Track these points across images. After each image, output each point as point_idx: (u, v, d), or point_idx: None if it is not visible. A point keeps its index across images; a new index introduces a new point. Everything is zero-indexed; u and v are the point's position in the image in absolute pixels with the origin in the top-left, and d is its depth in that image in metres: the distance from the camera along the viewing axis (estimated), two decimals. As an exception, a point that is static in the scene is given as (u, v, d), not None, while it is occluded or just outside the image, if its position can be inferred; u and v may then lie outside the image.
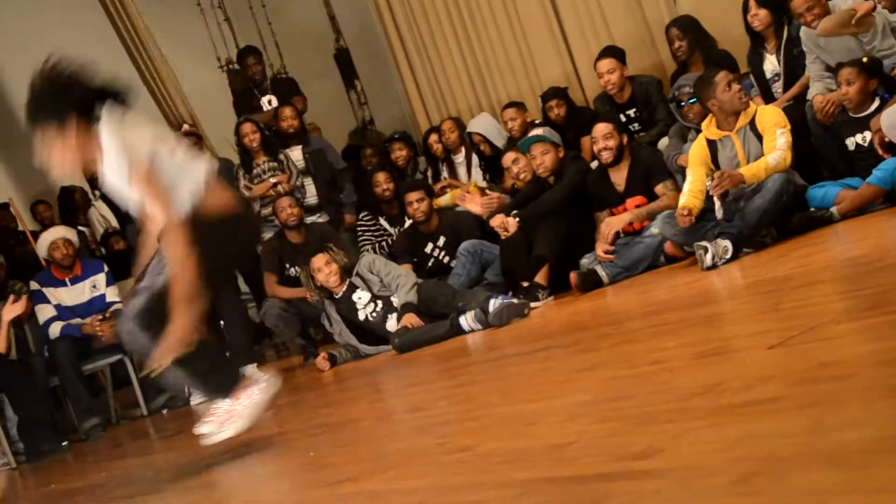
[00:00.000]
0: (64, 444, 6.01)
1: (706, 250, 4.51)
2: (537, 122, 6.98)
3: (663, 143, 6.06)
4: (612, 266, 5.47)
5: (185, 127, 8.02)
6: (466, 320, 5.22)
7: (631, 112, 6.48)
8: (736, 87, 5.07)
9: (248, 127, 7.43)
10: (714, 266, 4.48)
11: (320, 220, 7.48)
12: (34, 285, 6.66)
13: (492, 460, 2.20)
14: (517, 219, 5.87)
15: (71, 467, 5.29)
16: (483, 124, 7.33)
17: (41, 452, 5.87)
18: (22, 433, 6.05)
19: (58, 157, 3.13)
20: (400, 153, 7.83)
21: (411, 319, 5.56)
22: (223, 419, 3.42)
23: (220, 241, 3.29)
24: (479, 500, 1.88)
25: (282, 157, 7.45)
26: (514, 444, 2.28)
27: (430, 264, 6.62)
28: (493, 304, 5.14)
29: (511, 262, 5.97)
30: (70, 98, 3.08)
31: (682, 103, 5.71)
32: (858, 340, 2.24)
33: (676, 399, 2.15)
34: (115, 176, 3.11)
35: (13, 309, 6.00)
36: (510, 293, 5.69)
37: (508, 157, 6.41)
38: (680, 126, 5.87)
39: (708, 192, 4.87)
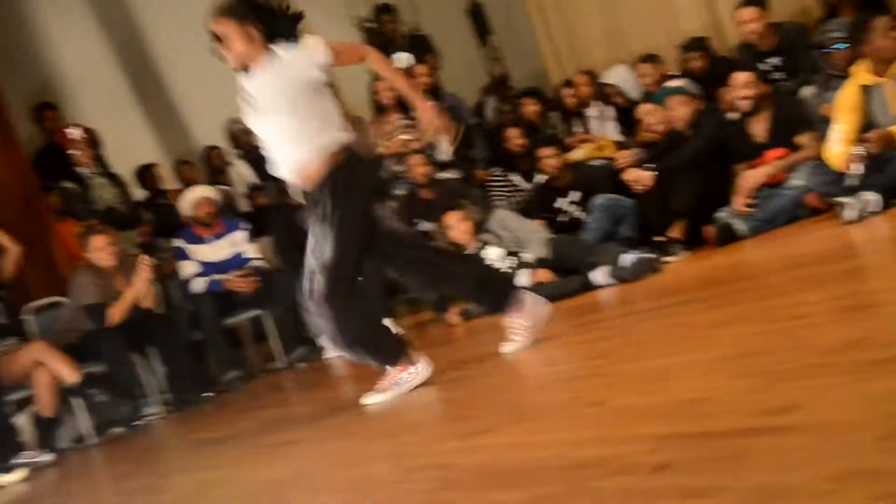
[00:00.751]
0: (207, 395, 6.25)
1: (849, 205, 4.33)
2: (675, 75, 6.82)
3: (807, 92, 5.83)
4: (751, 219, 5.32)
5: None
6: (599, 275, 5.17)
7: (775, 60, 6.23)
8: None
9: (382, 84, 7.48)
10: (861, 219, 4.30)
11: (451, 176, 7.50)
12: (177, 242, 6.90)
13: (626, 415, 2.18)
14: (653, 172, 5.76)
15: (214, 417, 5.49)
16: (617, 76, 7.21)
17: (186, 402, 6.11)
18: (169, 384, 6.31)
19: (236, 50, 3.56)
20: (532, 108, 7.78)
21: (544, 275, 5.53)
22: (387, 386, 3.71)
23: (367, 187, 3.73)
24: (614, 454, 1.86)
25: (414, 115, 7.47)
26: (648, 400, 2.25)
27: (562, 219, 6.57)
28: (625, 259, 5.08)
29: (646, 216, 5.87)
30: (256, 7, 3.59)
31: (829, 49, 5.47)
32: None
33: (818, 354, 2.08)
34: (275, 91, 3.56)
35: (143, 270, 6.19)
36: (645, 248, 5.60)
37: (643, 109, 6.30)
38: (825, 75, 5.64)
39: (853, 156, 4.66)
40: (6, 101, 7.52)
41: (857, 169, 4.60)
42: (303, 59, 3.58)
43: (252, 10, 3.58)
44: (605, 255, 5.33)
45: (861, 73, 4.92)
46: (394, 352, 3.73)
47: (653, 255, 5.19)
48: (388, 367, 3.72)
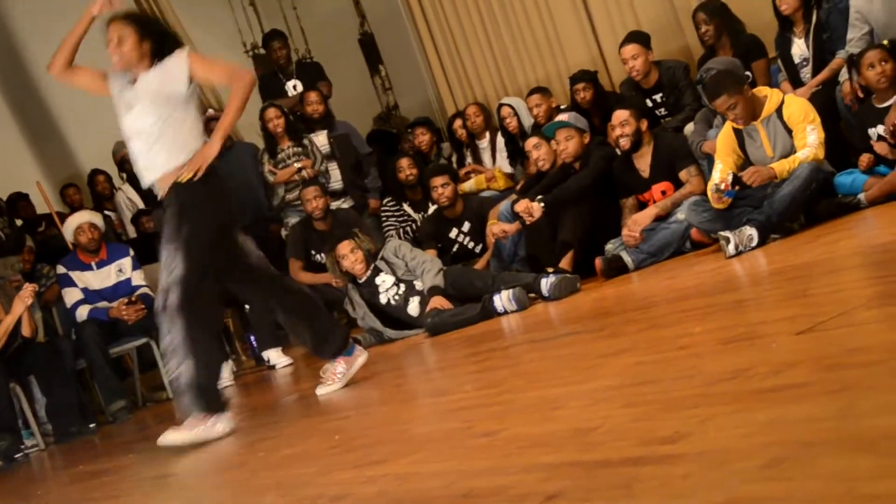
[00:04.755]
0: (91, 426, 6.07)
1: (730, 240, 4.49)
2: (563, 107, 6.96)
3: (689, 128, 6.03)
4: (638, 252, 5.46)
5: (210, 112, 8.05)
6: (501, 301, 5.22)
7: (657, 97, 6.44)
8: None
9: (272, 112, 7.44)
10: (739, 253, 4.46)
11: (345, 204, 7.50)
12: (61, 269, 6.71)
13: (517, 444, 2.20)
14: (542, 204, 5.86)
15: (98, 449, 5.34)
16: (513, 100, 7.35)
17: (69, 434, 5.93)
18: (50, 415, 6.10)
19: (127, 54, 3.81)
20: (423, 138, 7.84)
21: (440, 302, 5.57)
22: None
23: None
24: (506, 483, 1.88)
25: (306, 142, 7.46)
26: (539, 429, 2.28)
27: (454, 249, 6.63)
28: (546, 280, 5.16)
29: (535, 247, 5.97)
30: (155, 28, 3.96)
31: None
32: (888, 327, 2.23)
33: (703, 384, 2.14)
34: (152, 94, 3.80)
35: (24, 297, 6.00)
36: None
37: (530, 142, 6.40)
38: (706, 111, 5.84)
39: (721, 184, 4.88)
40: None
41: (728, 195, 4.82)
42: (171, 70, 3.80)
43: (152, 26, 3.94)
44: (513, 280, 5.40)
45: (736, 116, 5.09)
46: (213, 399, 3.88)
47: (572, 276, 5.29)
48: (196, 411, 3.83)
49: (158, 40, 3.87)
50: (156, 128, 3.82)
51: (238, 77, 3.89)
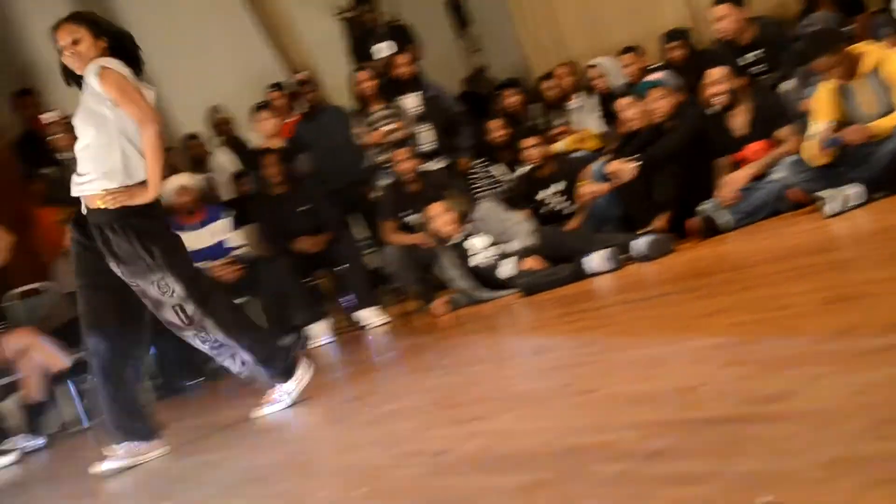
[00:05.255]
0: (196, 381, 6.26)
1: (833, 198, 4.40)
2: (655, 66, 6.87)
3: (787, 86, 5.90)
4: (733, 212, 5.39)
5: (301, 75, 8.14)
6: (594, 261, 5.22)
7: (754, 55, 6.29)
8: None
9: (363, 74, 7.50)
10: (840, 213, 4.37)
11: (436, 166, 7.53)
12: (160, 230, 6.87)
13: (617, 402, 2.22)
14: (635, 164, 5.81)
15: (204, 403, 5.51)
16: (604, 60, 7.29)
17: (175, 389, 6.12)
18: (158, 370, 6.32)
19: (80, 53, 3.58)
20: (512, 99, 7.82)
21: (534, 262, 5.59)
22: (279, 399, 3.92)
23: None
24: (607, 440, 1.90)
25: (397, 104, 7.50)
26: (639, 387, 2.30)
27: (545, 210, 6.62)
28: (639, 241, 5.14)
29: (628, 207, 5.93)
30: (109, 27, 3.70)
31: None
32: None
33: (807, 344, 2.13)
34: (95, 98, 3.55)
35: None
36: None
37: (622, 102, 6.34)
38: (803, 69, 5.70)
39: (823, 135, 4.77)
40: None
41: (831, 143, 4.71)
42: (93, 86, 3.56)
43: (105, 25, 3.70)
44: (598, 242, 5.39)
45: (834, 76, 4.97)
46: (284, 359, 3.91)
47: (666, 236, 5.26)
48: (279, 379, 3.88)
49: (115, 37, 3.66)
50: (82, 143, 3.65)
51: (144, 123, 3.54)
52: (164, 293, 3.69)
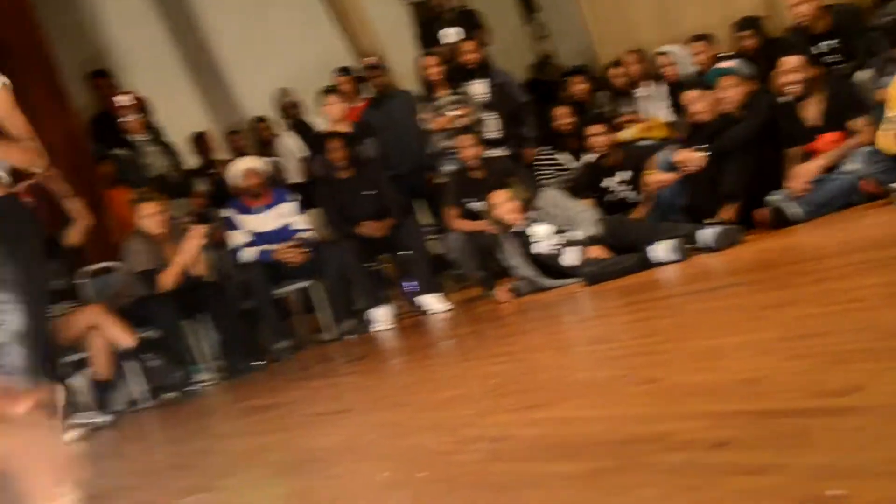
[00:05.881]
0: (258, 363, 6.33)
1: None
2: (727, 55, 6.75)
3: (862, 76, 5.76)
4: (804, 204, 5.28)
5: (369, 59, 8.16)
6: (660, 251, 5.16)
7: (829, 43, 6.15)
8: None
9: (430, 60, 7.50)
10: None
11: (500, 154, 7.51)
12: (226, 212, 6.98)
13: (680, 393, 2.19)
14: (703, 153, 5.73)
15: (264, 385, 5.56)
16: (673, 48, 7.19)
17: (237, 370, 6.20)
18: (221, 352, 6.41)
19: None
20: (579, 87, 7.76)
21: (596, 251, 5.54)
22: None
23: None
24: (669, 430, 1.88)
25: (463, 90, 7.49)
26: (702, 378, 2.27)
27: (610, 199, 6.56)
28: (706, 231, 5.07)
29: (695, 197, 5.85)
30: None
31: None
32: None
33: (877, 338, 2.08)
34: None
35: (195, 238, 6.27)
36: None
37: (690, 95, 6.24)
38: (881, 58, 5.56)
39: None
40: (60, 69, 7.62)
41: None
42: None
43: None
44: (664, 231, 5.32)
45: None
46: None
47: (734, 227, 5.19)
48: None
49: None
50: None
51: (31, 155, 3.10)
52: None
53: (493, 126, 7.50)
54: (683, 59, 7.08)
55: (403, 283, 7.31)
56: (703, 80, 6.23)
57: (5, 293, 2.93)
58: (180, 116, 8.50)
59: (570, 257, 5.76)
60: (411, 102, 7.70)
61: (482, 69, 7.68)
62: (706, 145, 5.78)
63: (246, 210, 6.97)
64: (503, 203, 6.04)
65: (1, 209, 3.07)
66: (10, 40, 7.34)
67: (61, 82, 7.58)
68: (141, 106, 7.53)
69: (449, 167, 7.21)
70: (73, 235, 6.34)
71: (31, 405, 1.02)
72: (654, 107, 7.35)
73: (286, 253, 6.71)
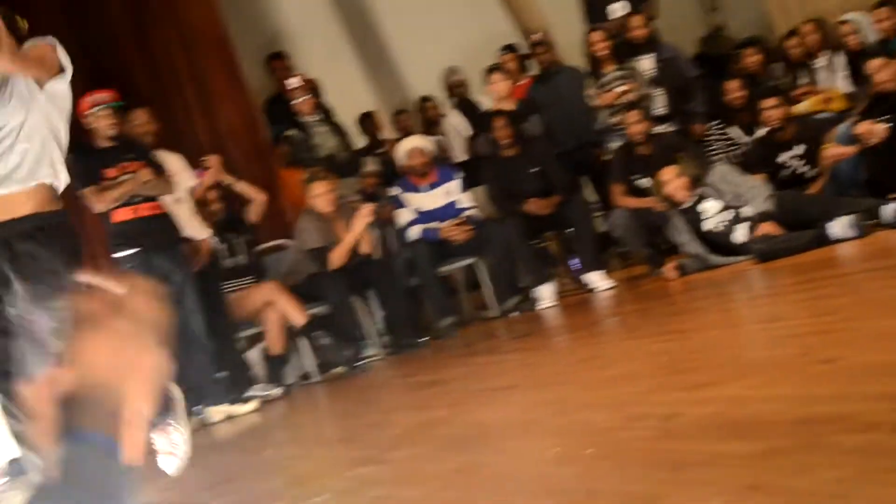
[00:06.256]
0: (423, 339, 6.42)
1: None
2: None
3: None
4: None
5: (536, 36, 8.13)
6: (838, 227, 4.95)
7: None
8: None
9: (596, 35, 7.40)
10: None
11: (668, 130, 7.35)
12: (394, 191, 7.09)
13: (861, 372, 2.10)
14: (887, 125, 5.45)
15: (430, 361, 5.64)
16: (856, 15, 6.87)
17: (403, 346, 6.31)
18: (387, 328, 6.54)
19: None
20: (752, 59, 7.50)
21: (770, 227, 5.36)
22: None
23: None
24: (851, 411, 1.81)
25: (630, 66, 7.37)
26: (885, 358, 2.16)
27: (785, 174, 6.32)
28: (887, 208, 4.85)
29: (877, 171, 5.58)
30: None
31: None
32: None
33: None
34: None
35: (363, 216, 6.41)
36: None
37: (874, 64, 5.93)
38: None
39: None
40: (237, 52, 7.91)
41: None
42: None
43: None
44: (843, 207, 5.10)
45: None
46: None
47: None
48: None
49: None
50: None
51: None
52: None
53: (660, 102, 7.36)
54: (866, 27, 6.75)
55: (568, 261, 7.27)
56: (888, 48, 5.92)
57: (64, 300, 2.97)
58: (349, 97, 8.69)
59: (741, 234, 5.59)
60: (578, 78, 7.64)
61: (649, 44, 7.53)
62: (888, 116, 5.50)
63: (412, 188, 7.06)
64: (671, 179, 5.92)
65: (57, 223, 3.25)
66: (196, 27, 7.68)
67: (238, 65, 7.87)
68: (311, 87, 7.72)
69: (615, 143, 7.12)
70: (252, 214, 6.59)
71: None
72: (831, 78, 7.04)
73: (451, 231, 6.77)
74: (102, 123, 5.52)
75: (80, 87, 6.08)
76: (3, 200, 3.20)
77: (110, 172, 5.47)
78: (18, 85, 3.24)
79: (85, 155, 5.41)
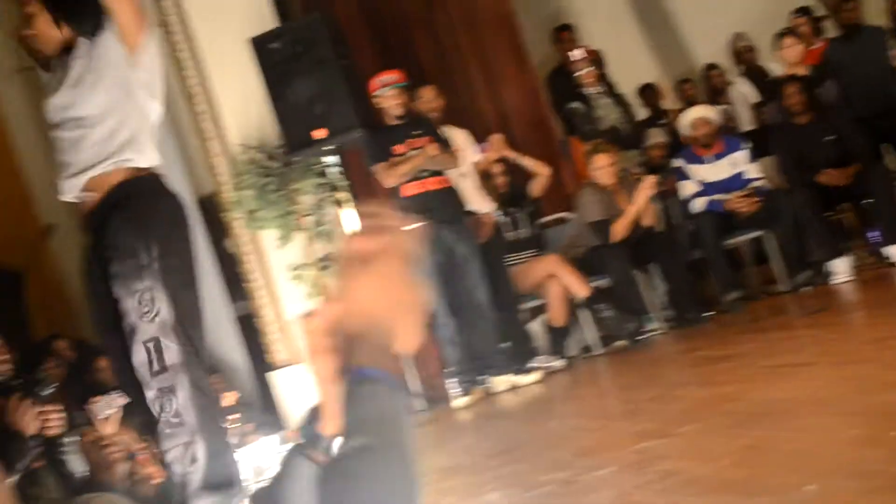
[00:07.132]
0: (707, 314, 6.27)
1: None
2: None
3: None
4: None
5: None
6: None
7: None
8: None
9: None
10: None
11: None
12: (677, 162, 6.94)
13: None
14: None
15: (715, 336, 5.51)
16: None
17: (687, 320, 6.19)
18: (670, 301, 6.45)
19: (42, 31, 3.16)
20: None
21: None
22: None
23: None
24: None
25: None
26: None
27: None
28: None
29: None
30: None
31: None
32: None
33: None
34: None
35: (646, 188, 6.33)
36: None
37: None
38: None
39: None
40: (522, 27, 8.01)
41: None
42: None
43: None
44: None
45: None
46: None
47: None
48: None
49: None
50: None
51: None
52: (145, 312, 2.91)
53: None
54: None
55: (867, 233, 6.84)
56: None
57: (146, 280, 2.88)
58: (631, 68, 8.60)
59: None
60: (880, 39, 7.13)
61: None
62: None
63: (696, 160, 6.89)
64: None
65: (140, 189, 3.06)
66: (481, 5, 7.86)
67: (521, 41, 7.97)
68: (594, 59, 7.70)
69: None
70: (535, 188, 6.68)
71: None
72: None
73: (737, 202, 6.55)
74: (390, 103, 5.84)
75: (371, 67, 6.44)
76: (83, 186, 3.06)
77: (399, 148, 5.74)
78: (95, 60, 3.07)
79: (375, 133, 5.73)
